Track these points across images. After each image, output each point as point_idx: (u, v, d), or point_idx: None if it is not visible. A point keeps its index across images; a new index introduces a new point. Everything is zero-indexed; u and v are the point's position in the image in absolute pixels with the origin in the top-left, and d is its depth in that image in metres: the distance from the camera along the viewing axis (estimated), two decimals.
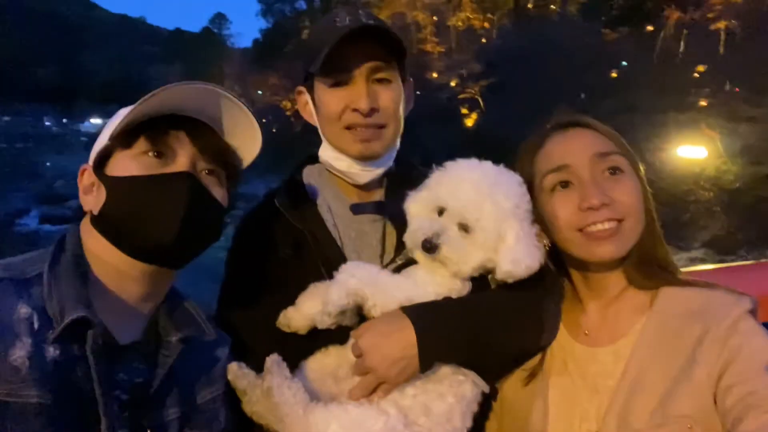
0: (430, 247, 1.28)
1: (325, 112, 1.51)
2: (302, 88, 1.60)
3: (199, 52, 77.32)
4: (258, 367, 1.31)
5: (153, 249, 1.20)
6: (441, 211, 1.33)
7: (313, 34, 1.58)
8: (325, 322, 1.34)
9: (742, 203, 20.46)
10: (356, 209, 1.56)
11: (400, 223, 1.42)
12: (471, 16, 42.24)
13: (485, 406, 1.43)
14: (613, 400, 1.25)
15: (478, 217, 1.29)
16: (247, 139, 1.31)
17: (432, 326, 1.28)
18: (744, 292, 1.26)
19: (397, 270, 1.42)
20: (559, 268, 1.44)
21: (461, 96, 37.97)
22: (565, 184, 1.35)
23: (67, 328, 1.09)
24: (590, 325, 1.39)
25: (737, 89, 23.79)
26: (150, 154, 1.20)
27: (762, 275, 2.50)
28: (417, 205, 1.39)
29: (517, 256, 1.29)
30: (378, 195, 1.60)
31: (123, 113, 1.20)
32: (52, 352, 1.08)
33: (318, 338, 1.39)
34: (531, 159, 1.41)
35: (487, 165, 1.36)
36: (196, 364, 1.31)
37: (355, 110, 1.46)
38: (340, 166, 1.54)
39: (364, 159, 1.51)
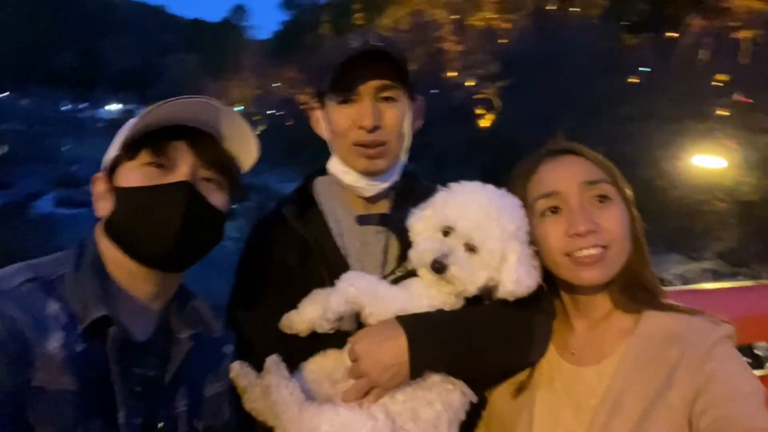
0: (440, 267, 1.35)
1: (334, 127, 1.63)
2: (315, 104, 1.69)
3: (217, 42, 77.66)
4: (260, 367, 1.40)
5: (154, 255, 1.30)
6: (446, 232, 1.39)
7: (326, 54, 1.66)
8: (324, 327, 1.44)
9: (758, 216, 20.20)
10: (361, 220, 1.66)
11: (403, 235, 1.50)
12: (490, 16, 42.02)
13: (474, 414, 1.52)
14: (595, 418, 1.31)
15: (484, 238, 1.37)
16: (244, 148, 1.39)
17: (423, 336, 1.36)
18: (725, 319, 1.31)
19: (396, 281, 1.52)
20: (550, 288, 1.50)
21: (477, 96, 37.83)
22: (554, 210, 1.43)
23: (90, 326, 1.20)
24: (577, 345, 1.45)
25: (744, 98, 23.45)
26: (152, 164, 1.29)
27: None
28: (422, 224, 1.45)
29: (519, 276, 1.37)
30: (383, 207, 1.69)
31: (131, 124, 1.30)
32: (77, 346, 1.18)
33: (318, 342, 1.49)
34: (524, 184, 1.48)
35: (491, 188, 1.45)
36: (204, 360, 1.43)
37: (361, 127, 1.56)
38: (348, 179, 1.64)
39: (370, 174, 1.60)
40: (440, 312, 1.42)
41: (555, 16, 33.08)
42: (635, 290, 1.40)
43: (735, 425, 1.13)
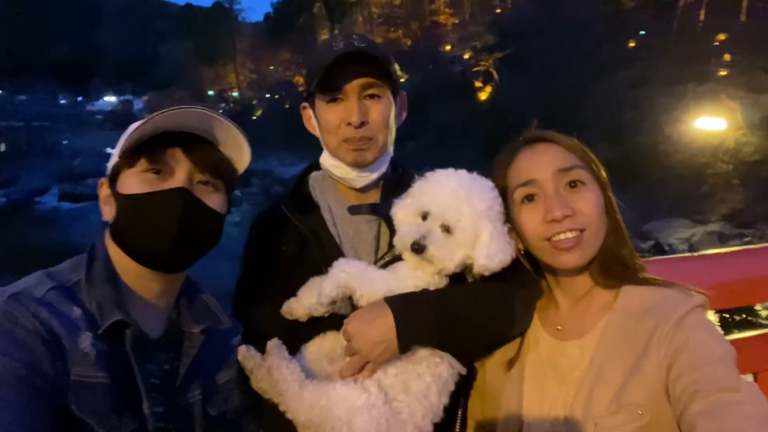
0: (418, 248, 1.46)
1: (324, 125, 1.72)
2: (306, 104, 1.81)
3: (210, 27, 76.88)
4: (265, 351, 1.50)
5: (155, 258, 1.38)
6: (425, 216, 1.50)
7: (314, 56, 1.77)
8: (319, 311, 1.54)
9: (762, 176, 20.11)
10: (353, 210, 1.76)
11: (393, 223, 1.60)
12: None
13: (466, 385, 1.64)
14: (579, 390, 1.39)
15: (458, 218, 1.46)
16: (237, 151, 1.47)
17: (409, 314, 1.46)
18: (697, 289, 1.38)
19: (386, 265, 1.62)
20: (536, 269, 1.58)
21: (475, 69, 37.51)
22: (531, 198, 1.50)
23: (107, 328, 1.28)
24: (562, 321, 1.54)
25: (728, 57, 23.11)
26: (151, 171, 1.35)
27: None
28: (403, 212, 1.57)
29: (491, 251, 1.46)
30: (374, 197, 1.80)
31: (130, 131, 1.36)
32: (101, 346, 1.26)
33: (318, 325, 1.59)
34: (504, 173, 1.55)
35: (463, 173, 1.54)
36: (214, 352, 1.51)
37: (348, 124, 1.66)
38: (339, 172, 1.75)
39: (358, 166, 1.71)
40: (425, 291, 1.51)
41: None
42: (614, 267, 1.47)
43: (707, 387, 1.19)
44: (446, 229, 1.47)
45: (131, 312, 1.33)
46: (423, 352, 1.48)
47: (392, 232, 1.61)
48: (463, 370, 1.54)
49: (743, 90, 22.38)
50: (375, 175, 1.74)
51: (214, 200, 1.42)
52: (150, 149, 1.35)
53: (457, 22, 44.04)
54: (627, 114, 23.35)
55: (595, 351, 1.40)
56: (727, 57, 23.68)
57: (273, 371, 1.44)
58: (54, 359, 1.18)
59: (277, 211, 1.78)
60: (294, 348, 1.53)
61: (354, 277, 1.51)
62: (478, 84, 37.87)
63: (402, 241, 1.50)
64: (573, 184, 1.46)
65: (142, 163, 1.35)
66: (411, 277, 1.52)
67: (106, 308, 1.30)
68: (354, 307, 1.55)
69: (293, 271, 1.67)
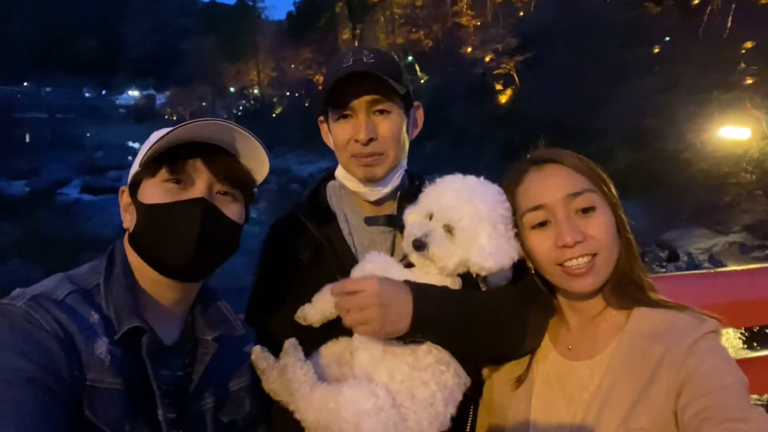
0: (419, 245, 1.47)
1: (335, 141, 1.76)
2: (322, 119, 1.83)
3: (233, 24, 77.46)
4: (278, 355, 1.53)
5: (173, 268, 1.39)
6: (430, 217, 1.52)
7: (327, 72, 1.78)
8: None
9: None
10: (369, 221, 1.79)
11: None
12: None
13: (477, 396, 1.66)
14: (587, 412, 1.39)
15: (459, 218, 1.47)
16: (257, 163, 1.49)
17: (427, 301, 1.45)
18: (712, 314, 1.36)
19: None
20: (547, 287, 1.57)
21: (496, 72, 37.28)
22: (542, 224, 1.48)
23: (124, 334, 1.30)
24: (572, 341, 1.53)
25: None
26: (171, 181, 1.37)
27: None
28: (412, 215, 1.59)
29: (487, 252, 1.46)
30: (390, 209, 1.81)
31: (152, 141, 1.37)
32: (117, 351, 1.28)
33: (330, 331, 1.61)
34: (512, 194, 1.53)
35: (470, 177, 1.56)
36: (228, 359, 1.53)
37: (356, 140, 1.68)
38: (351, 186, 1.78)
39: (369, 181, 1.74)
40: (445, 287, 1.51)
41: None
42: (626, 287, 1.46)
43: (716, 415, 1.18)
44: (448, 229, 1.48)
45: (147, 317, 1.36)
46: (428, 359, 1.48)
47: None
48: (469, 382, 1.54)
49: None
50: (386, 190, 1.76)
51: (232, 210, 1.44)
52: (171, 159, 1.36)
53: (479, 24, 43.82)
54: (649, 120, 23.02)
55: (605, 373, 1.39)
56: (753, 65, 23.24)
57: (287, 370, 1.46)
58: (70, 364, 1.20)
59: (294, 219, 1.80)
60: (306, 354, 1.54)
61: (379, 269, 1.53)
62: (498, 87, 37.64)
63: (406, 240, 1.52)
64: (584, 210, 1.44)
65: (163, 173, 1.37)
66: (428, 281, 1.53)
67: (124, 314, 1.32)
68: None
69: (308, 278, 1.69)
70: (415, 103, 1.83)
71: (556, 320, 1.59)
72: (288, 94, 68.12)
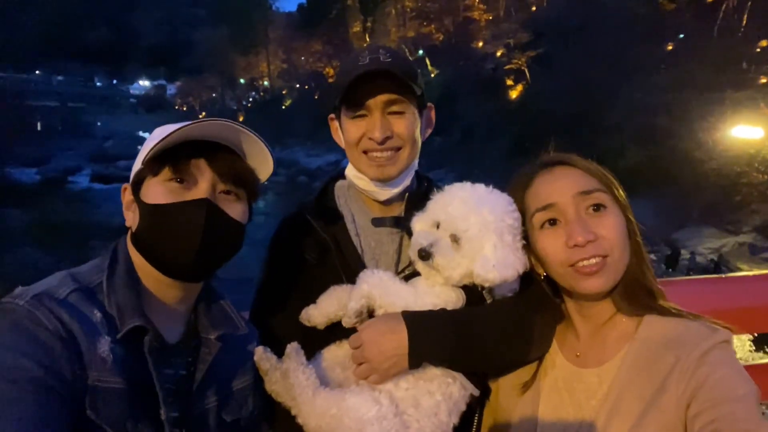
0: (425, 254, 1.47)
1: (347, 138, 1.75)
2: (333, 116, 1.83)
3: (244, 15, 77.34)
4: (281, 355, 1.52)
5: (176, 268, 1.39)
6: (438, 226, 1.51)
7: (342, 70, 1.76)
8: (348, 323, 1.56)
9: None
10: (377, 222, 1.78)
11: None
12: None
13: (482, 402, 1.65)
14: (595, 420, 1.36)
15: (465, 228, 1.45)
16: (261, 162, 1.48)
17: (423, 332, 1.45)
18: (724, 324, 1.33)
19: (406, 279, 1.62)
20: (556, 294, 1.56)
21: (507, 67, 37.04)
22: (552, 222, 1.46)
23: (126, 333, 1.29)
24: (581, 348, 1.51)
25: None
26: (173, 180, 1.36)
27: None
28: (420, 223, 1.58)
29: (491, 264, 1.44)
30: (398, 210, 1.80)
31: (155, 139, 1.36)
32: (119, 350, 1.27)
33: (334, 333, 1.61)
34: (521, 197, 1.52)
35: (479, 186, 1.54)
36: (231, 358, 1.52)
37: (371, 139, 1.68)
38: (361, 184, 1.77)
39: (382, 181, 1.73)
40: (442, 311, 1.50)
41: None
42: (636, 293, 1.43)
43: (726, 427, 1.16)
44: (455, 239, 1.46)
45: (150, 316, 1.35)
46: (435, 371, 1.48)
47: None
48: (476, 392, 1.54)
49: None
50: (397, 190, 1.75)
51: (235, 210, 1.43)
52: (174, 158, 1.35)
53: (490, 18, 43.54)
54: (660, 118, 22.81)
55: (614, 381, 1.37)
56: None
57: (289, 375, 1.45)
58: (73, 363, 1.19)
59: (301, 219, 1.79)
60: (309, 355, 1.54)
61: (376, 288, 1.52)
62: (509, 82, 37.40)
63: (412, 248, 1.51)
64: (595, 208, 1.42)
65: (166, 172, 1.36)
66: (430, 294, 1.52)
67: (126, 313, 1.31)
68: (372, 317, 1.56)
69: (314, 278, 1.69)
70: (428, 105, 1.83)
71: (565, 327, 1.57)
72: (298, 86, 68.02)
